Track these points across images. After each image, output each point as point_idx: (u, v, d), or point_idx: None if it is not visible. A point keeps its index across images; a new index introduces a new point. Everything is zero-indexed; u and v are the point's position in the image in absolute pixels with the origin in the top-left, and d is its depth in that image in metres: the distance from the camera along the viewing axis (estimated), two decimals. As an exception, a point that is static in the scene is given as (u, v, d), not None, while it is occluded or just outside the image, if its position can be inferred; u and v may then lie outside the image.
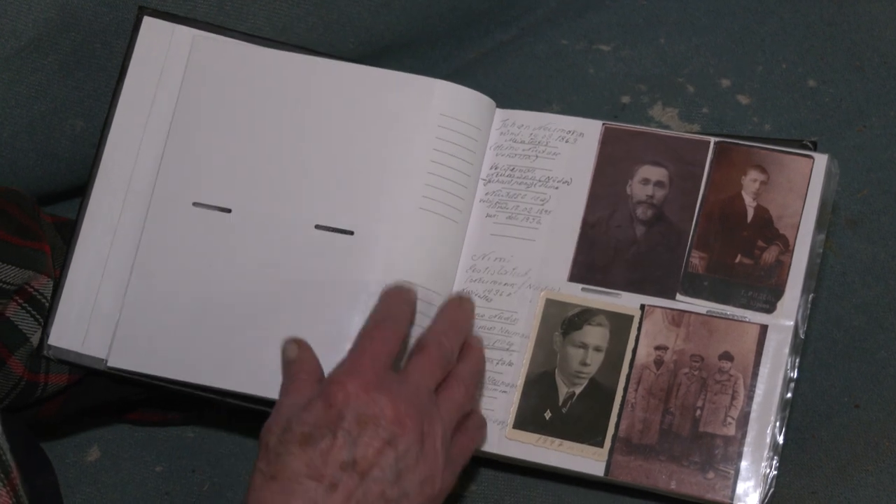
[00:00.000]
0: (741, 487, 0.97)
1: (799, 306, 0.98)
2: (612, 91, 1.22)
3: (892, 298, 1.11)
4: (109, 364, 1.03)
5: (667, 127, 1.20)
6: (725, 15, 1.23)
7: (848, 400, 1.08)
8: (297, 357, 0.94)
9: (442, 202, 1.03)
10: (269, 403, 1.00)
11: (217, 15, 1.14)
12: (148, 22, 1.07)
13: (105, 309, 1.04)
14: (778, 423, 0.97)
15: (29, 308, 1.04)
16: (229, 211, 1.04)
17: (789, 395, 0.98)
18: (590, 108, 1.21)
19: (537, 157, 1.05)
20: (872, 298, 1.11)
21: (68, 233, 1.06)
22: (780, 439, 0.97)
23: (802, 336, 0.98)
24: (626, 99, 1.22)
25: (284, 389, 0.93)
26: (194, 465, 1.15)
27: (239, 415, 1.11)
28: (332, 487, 0.88)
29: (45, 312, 1.04)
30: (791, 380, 0.98)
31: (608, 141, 1.04)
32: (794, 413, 1.05)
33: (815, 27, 1.22)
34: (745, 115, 1.19)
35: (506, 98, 1.15)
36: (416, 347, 0.95)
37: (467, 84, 1.05)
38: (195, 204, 1.04)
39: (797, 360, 0.98)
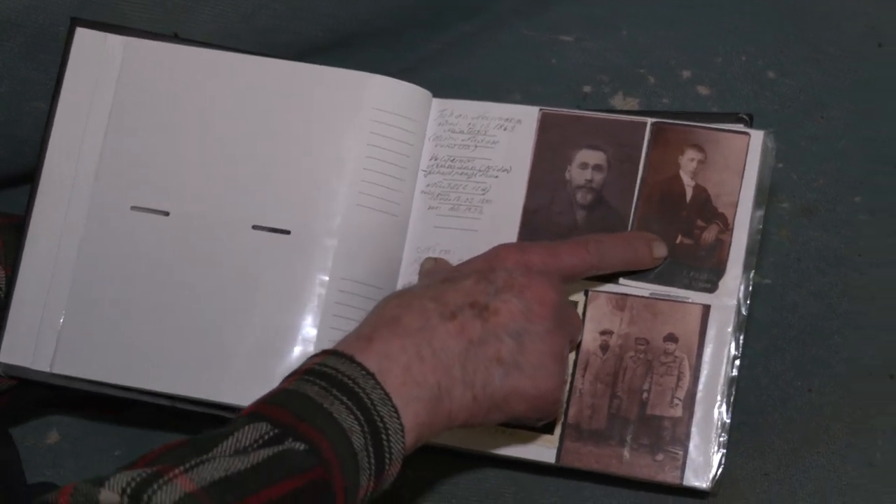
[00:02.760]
0: (690, 467, 0.97)
1: (740, 284, 0.98)
2: (574, 81, 1.22)
3: (846, 285, 1.11)
4: (53, 370, 1.03)
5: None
6: (687, 7, 1.23)
7: (801, 384, 1.08)
8: (434, 266, 0.98)
9: (379, 197, 1.03)
10: (215, 406, 1.02)
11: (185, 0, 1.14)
12: (81, 33, 1.07)
13: (53, 324, 1.04)
14: (724, 402, 0.97)
15: None
16: (167, 214, 1.04)
17: (734, 373, 0.97)
18: (552, 98, 1.21)
19: (476, 146, 1.04)
20: (827, 285, 1.11)
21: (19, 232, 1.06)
22: (727, 418, 0.97)
23: (745, 313, 0.98)
24: (587, 89, 1.22)
25: None
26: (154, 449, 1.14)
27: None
28: (451, 316, 0.87)
29: None
30: (735, 357, 0.97)
31: (546, 127, 1.03)
32: (748, 396, 1.06)
33: (775, 20, 1.21)
34: (704, 106, 1.19)
35: (469, 88, 1.18)
36: (575, 239, 0.95)
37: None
38: (133, 208, 1.04)
39: (741, 338, 0.98)
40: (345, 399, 0.82)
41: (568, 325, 0.93)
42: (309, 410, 0.81)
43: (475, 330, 0.88)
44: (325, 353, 0.86)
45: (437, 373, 0.86)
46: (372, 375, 0.84)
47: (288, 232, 1.02)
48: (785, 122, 1.17)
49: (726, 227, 0.99)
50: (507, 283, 0.90)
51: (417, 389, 0.85)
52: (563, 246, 0.94)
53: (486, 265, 0.91)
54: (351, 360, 0.84)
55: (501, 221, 1.03)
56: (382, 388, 0.84)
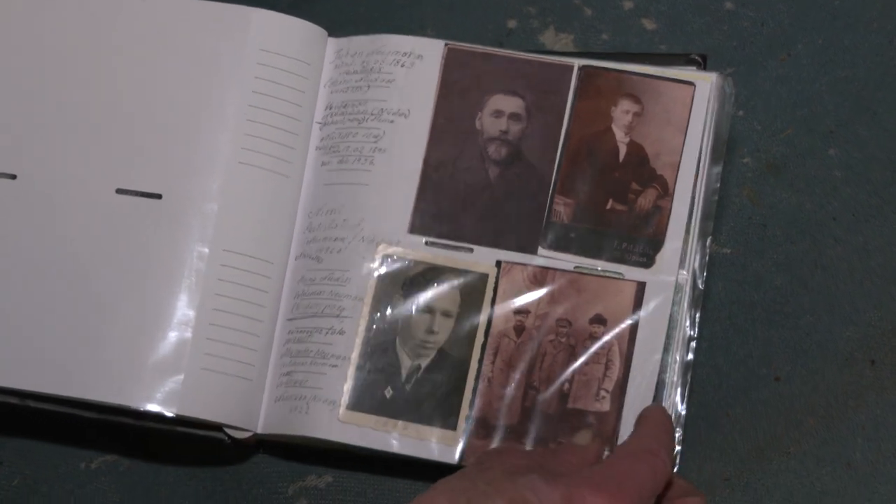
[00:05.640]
0: None
1: (695, 252, 0.94)
2: (496, 14, 1.15)
3: (819, 255, 1.07)
4: None
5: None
6: (631, -77, 1.20)
7: (767, 372, 1.04)
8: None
9: (266, 154, 0.98)
10: (75, 404, 0.97)
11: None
12: None
13: None
14: (680, 392, 0.93)
15: None
16: (14, 177, 0.99)
17: (690, 356, 0.94)
18: (470, 34, 1.14)
19: (369, 86, 0.99)
20: (796, 255, 1.07)
21: None
22: (683, 409, 0.93)
23: (701, 287, 0.94)
24: (512, 23, 1.15)
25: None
26: (2, 457, 1.08)
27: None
28: None
29: None
30: (691, 339, 0.94)
31: (452, 65, 0.99)
32: (705, 386, 1.04)
33: (733, -61, 1.19)
34: (650, 43, 1.13)
35: (372, 24, 1.13)
36: (630, 453, 0.87)
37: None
38: None
39: (697, 316, 0.94)
40: None
41: None
42: None
43: None
44: None
45: None
46: None
47: (159, 196, 0.98)
48: (745, 62, 1.12)
49: (666, 191, 0.95)
50: None
51: None
52: (642, 469, 0.85)
53: None
54: None
55: (397, 174, 0.98)
56: None
